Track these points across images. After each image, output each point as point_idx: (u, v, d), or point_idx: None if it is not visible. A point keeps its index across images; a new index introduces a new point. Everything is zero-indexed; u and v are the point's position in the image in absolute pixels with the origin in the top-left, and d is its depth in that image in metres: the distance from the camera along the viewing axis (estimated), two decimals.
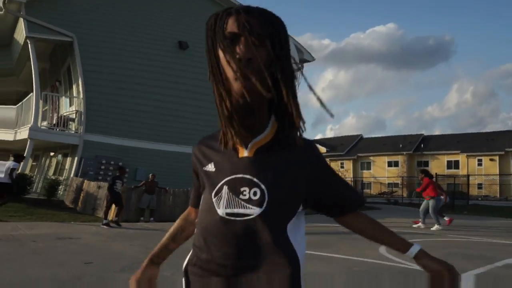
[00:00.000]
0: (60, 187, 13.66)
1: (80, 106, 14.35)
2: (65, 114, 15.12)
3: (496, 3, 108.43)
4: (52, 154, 16.52)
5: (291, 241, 1.13)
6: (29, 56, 13.83)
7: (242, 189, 1.12)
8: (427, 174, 11.18)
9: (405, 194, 33.54)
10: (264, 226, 1.10)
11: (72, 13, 14.22)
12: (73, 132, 14.49)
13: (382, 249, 6.57)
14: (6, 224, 8.32)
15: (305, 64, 18.93)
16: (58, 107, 15.98)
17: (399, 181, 41.50)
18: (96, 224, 9.58)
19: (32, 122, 13.41)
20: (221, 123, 1.11)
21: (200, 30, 15.47)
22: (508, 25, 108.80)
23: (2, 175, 9.87)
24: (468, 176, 25.09)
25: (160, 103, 15.88)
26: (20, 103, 15.51)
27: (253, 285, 1.08)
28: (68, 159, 14.82)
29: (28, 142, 13.46)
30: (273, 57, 1.03)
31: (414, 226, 10.88)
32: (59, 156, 15.91)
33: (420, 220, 10.83)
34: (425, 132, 57.43)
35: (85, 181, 12.54)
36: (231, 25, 1.02)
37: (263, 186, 1.11)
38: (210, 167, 1.20)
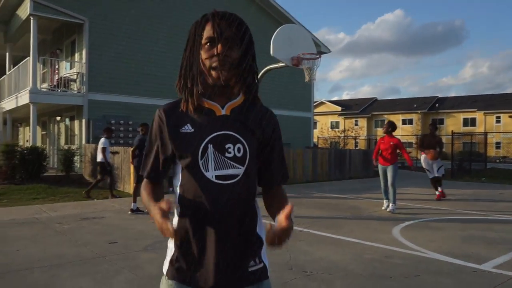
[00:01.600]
0: (76, 158, 13.37)
1: (82, 68, 13.81)
2: (65, 75, 14.59)
3: None
4: (58, 118, 16.16)
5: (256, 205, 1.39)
6: (29, 29, 13.21)
7: (227, 146, 1.29)
8: (394, 127, 8.21)
9: (419, 156, 32.75)
10: (246, 186, 1.31)
11: None
12: (75, 92, 14.00)
13: (396, 232, 6.11)
14: (30, 208, 8.09)
15: (322, 56, 19.72)
16: (58, 69, 15.45)
17: (413, 140, 40.70)
18: (117, 199, 9.32)
19: (31, 85, 12.94)
20: (192, 89, 1.34)
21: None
22: None
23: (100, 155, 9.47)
24: (485, 134, 22.95)
25: (174, 61, 15.25)
26: (16, 67, 14.94)
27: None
28: (76, 123, 14.45)
29: (31, 107, 13.08)
30: (241, 55, 1.33)
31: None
32: (66, 120, 15.55)
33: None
34: (440, 95, 55.77)
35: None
36: (208, 30, 1.31)
37: (244, 142, 1.32)
38: (188, 128, 1.31)
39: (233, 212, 1.29)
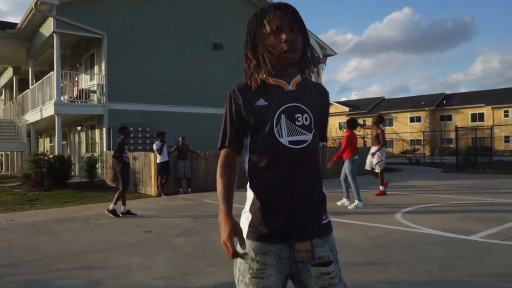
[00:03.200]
0: (98, 165, 14.22)
1: (102, 80, 14.69)
2: (85, 87, 15.53)
3: None
4: (79, 128, 17.07)
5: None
6: (52, 45, 14.24)
7: (296, 115, 1.50)
8: (352, 124, 8.50)
9: (427, 152, 33.20)
10: (314, 149, 1.52)
11: (105, 13, 14.61)
12: (96, 102, 14.94)
13: (398, 216, 6.81)
14: (66, 209, 8.93)
15: (329, 58, 20.84)
16: (78, 82, 16.37)
17: (421, 137, 41.20)
18: (141, 199, 10.17)
19: (55, 97, 13.85)
20: (264, 69, 1.53)
21: (233, 30, 16.82)
22: None
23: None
24: (492, 127, 23.65)
25: (185, 70, 16.17)
26: (40, 81, 15.89)
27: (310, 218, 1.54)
28: (97, 131, 15.35)
29: (56, 119, 13.97)
30: (302, 38, 1.53)
31: (339, 203, 8.29)
32: (87, 130, 16.45)
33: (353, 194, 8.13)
34: (449, 92, 56.12)
35: None
36: (275, 20, 1.49)
37: (309, 112, 1.52)
38: (262, 102, 1.51)
39: (306, 173, 1.49)
